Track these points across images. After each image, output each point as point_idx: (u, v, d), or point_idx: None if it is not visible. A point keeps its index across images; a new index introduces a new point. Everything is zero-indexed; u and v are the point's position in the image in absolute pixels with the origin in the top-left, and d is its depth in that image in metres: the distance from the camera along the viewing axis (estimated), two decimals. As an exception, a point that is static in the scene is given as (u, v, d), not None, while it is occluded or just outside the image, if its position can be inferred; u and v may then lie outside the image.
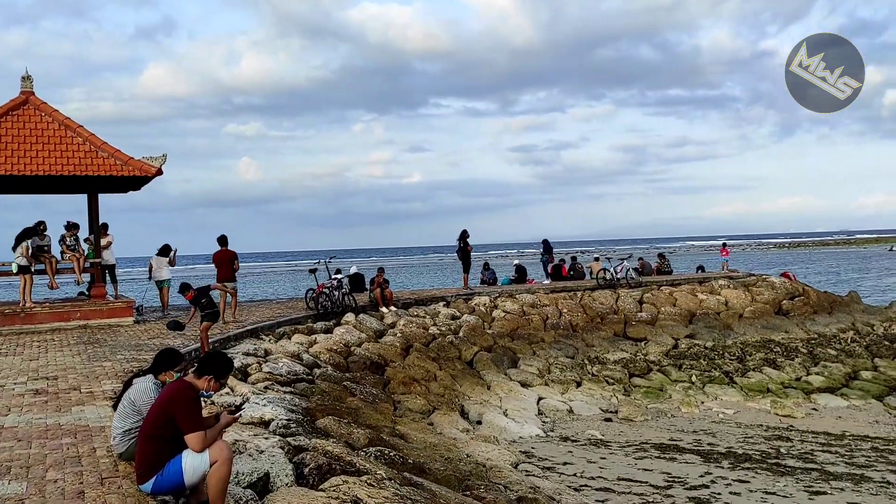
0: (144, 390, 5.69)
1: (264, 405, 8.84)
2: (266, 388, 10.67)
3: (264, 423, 8.22)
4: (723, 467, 11.31)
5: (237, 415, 5.39)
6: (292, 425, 8.21)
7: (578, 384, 17.68)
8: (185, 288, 12.00)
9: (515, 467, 10.61)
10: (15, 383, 9.48)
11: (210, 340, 13.28)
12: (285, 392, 10.58)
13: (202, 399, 5.36)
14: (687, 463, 11.57)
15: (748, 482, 10.46)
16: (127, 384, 5.79)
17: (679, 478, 10.63)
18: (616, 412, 15.71)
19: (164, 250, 19.02)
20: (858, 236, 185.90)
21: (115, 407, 5.79)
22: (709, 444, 13.13)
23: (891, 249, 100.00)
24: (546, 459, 11.59)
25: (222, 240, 17.14)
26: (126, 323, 16.46)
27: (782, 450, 12.65)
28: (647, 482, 10.34)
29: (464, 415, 14.23)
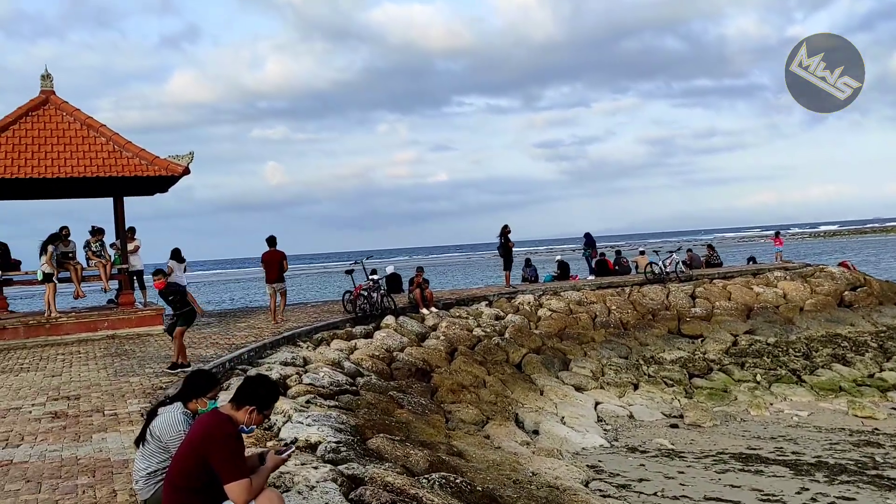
0: (173, 422, 4.68)
1: (309, 425, 7.82)
2: (308, 402, 9.64)
3: (311, 447, 7.19)
4: (818, 481, 10.06)
5: (287, 454, 4.33)
6: (342, 448, 7.16)
7: (636, 386, 16.48)
8: (159, 273, 10.85)
9: (587, 485, 9.50)
10: (33, 404, 8.57)
11: (247, 349, 12.31)
12: (329, 407, 9.55)
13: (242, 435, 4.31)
14: (776, 476, 10.34)
15: (854, 499, 9.22)
16: (151, 414, 4.78)
17: (774, 495, 9.41)
18: (681, 417, 14.49)
19: (178, 255, 17.75)
20: (894, 223, 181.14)
21: (137, 443, 4.77)
22: (793, 452, 11.87)
23: None
24: (618, 475, 10.43)
25: (271, 240, 16.33)
26: (156, 332, 15.59)
27: (877, 458, 11.37)
28: (739, 501, 9.15)
29: (519, 424, 13.11)
